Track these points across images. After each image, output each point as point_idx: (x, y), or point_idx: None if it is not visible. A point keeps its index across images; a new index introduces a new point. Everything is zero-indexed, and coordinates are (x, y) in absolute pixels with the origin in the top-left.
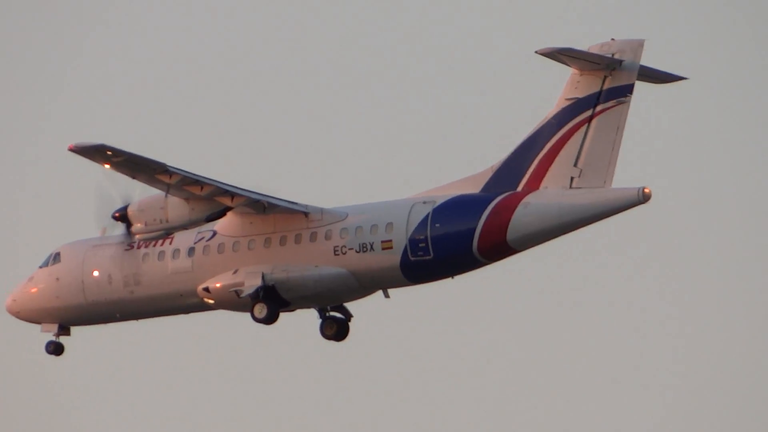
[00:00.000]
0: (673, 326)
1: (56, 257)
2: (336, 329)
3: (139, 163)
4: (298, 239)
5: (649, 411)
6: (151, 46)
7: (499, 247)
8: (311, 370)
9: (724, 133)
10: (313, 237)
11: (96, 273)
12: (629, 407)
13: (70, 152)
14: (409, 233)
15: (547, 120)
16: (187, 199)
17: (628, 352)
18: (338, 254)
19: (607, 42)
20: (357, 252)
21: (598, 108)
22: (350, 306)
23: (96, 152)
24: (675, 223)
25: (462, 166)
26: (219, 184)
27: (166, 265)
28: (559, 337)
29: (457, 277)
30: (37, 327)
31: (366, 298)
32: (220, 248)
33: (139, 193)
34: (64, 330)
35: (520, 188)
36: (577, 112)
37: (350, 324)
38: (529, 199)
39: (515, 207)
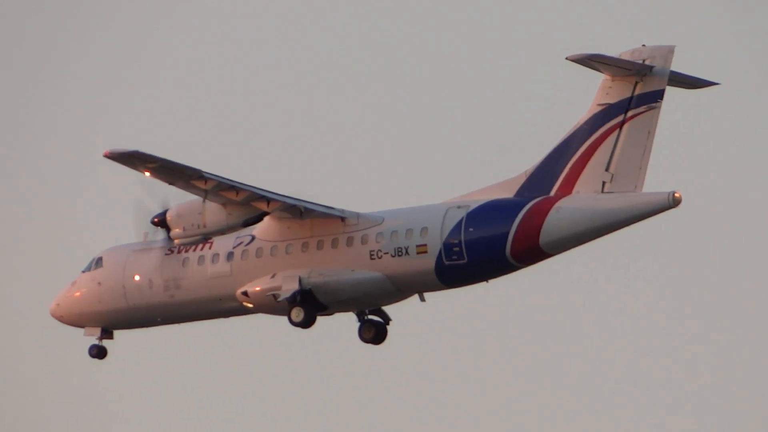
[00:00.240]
0: (702, 330)
1: (98, 262)
2: (374, 332)
3: (175, 169)
4: (334, 244)
5: (681, 415)
6: (187, 52)
7: (531, 251)
8: (349, 372)
9: (755, 138)
10: (349, 241)
11: (137, 277)
12: (661, 411)
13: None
14: (444, 237)
15: (579, 125)
16: (224, 205)
17: (659, 357)
18: (374, 258)
19: (638, 48)
20: (392, 256)
21: (630, 113)
22: (389, 309)
23: (131, 158)
24: (705, 227)
25: (496, 171)
26: (254, 190)
27: (206, 269)
28: (592, 341)
29: (493, 281)
30: (80, 331)
31: (404, 302)
32: (259, 253)
33: (177, 198)
34: (106, 334)
35: (552, 193)
36: (608, 117)
37: (388, 327)
38: (562, 203)
39: (548, 211)
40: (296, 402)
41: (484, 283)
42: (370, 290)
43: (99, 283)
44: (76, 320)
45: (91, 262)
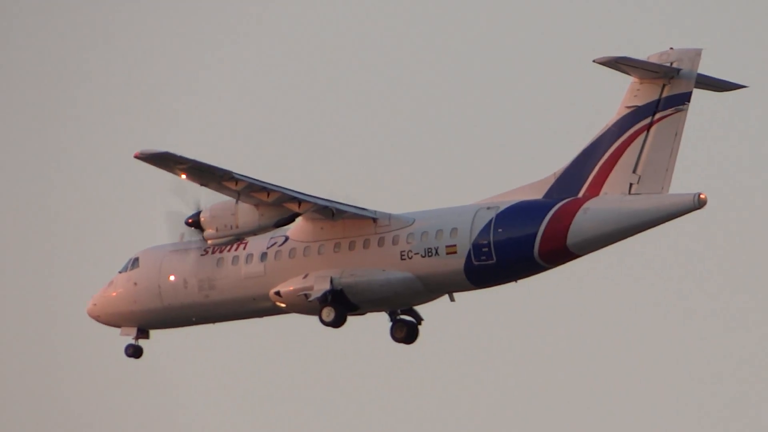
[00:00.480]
0: (726, 331)
1: (135, 262)
2: (406, 332)
3: (206, 170)
4: (366, 244)
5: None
6: (220, 55)
7: (559, 251)
8: (380, 372)
9: None
10: (381, 242)
11: (172, 278)
12: (689, 412)
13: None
14: (473, 238)
15: (607, 127)
16: (256, 206)
17: (686, 359)
18: (404, 259)
19: (665, 51)
20: (422, 257)
21: (657, 115)
22: (420, 309)
23: (161, 159)
24: (730, 228)
25: (527, 172)
26: (285, 191)
27: (240, 269)
28: (619, 341)
29: (522, 282)
30: (117, 330)
31: (436, 302)
32: (292, 253)
33: (211, 200)
34: (143, 333)
35: (581, 194)
36: (636, 119)
37: (420, 327)
38: (589, 204)
39: (575, 212)
40: (328, 401)
41: (513, 283)
42: (401, 290)
43: (135, 284)
44: (113, 320)
45: (128, 262)
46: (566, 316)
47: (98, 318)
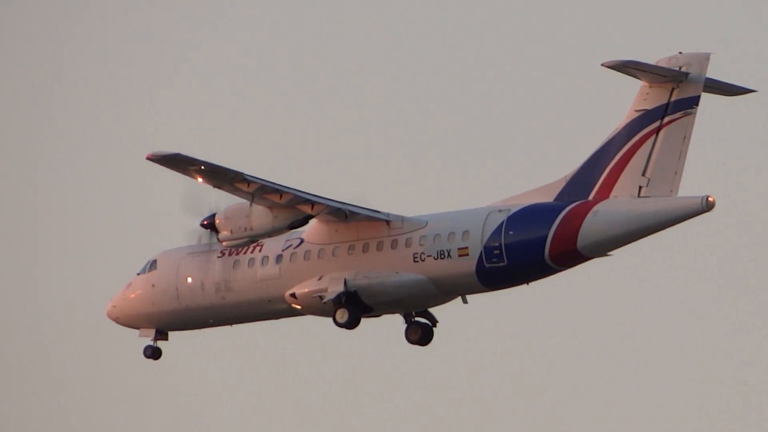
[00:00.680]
0: (733, 333)
1: (153, 264)
2: (420, 334)
3: (218, 171)
4: (379, 246)
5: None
6: (233, 57)
7: (570, 253)
8: (395, 373)
9: None
10: (394, 244)
11: (189, 279)
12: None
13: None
14: (484, 240)
15: (617, 131)
16: (270, 208)
17: (695, 360)
18: (417, 261)
19: (674, 55)
20: (435, 259)
21: (666, 119)
22: (435, 311)
23: (173, 161)
24: (738, 231)
25: (539, 175)
26: (297, 193)
27: (255, 271)
28: (631, 343)
29: (537, 284)
30: (136, 332)
31: (452, 304)
32: (307, 255)
33: (226, 202)
34: (161, 335)
35: (591, 197)
36: (645, 123)
37: (435, 329)
38: (599, 207)
39: (585, 215)
40: (343, 402)
41: (525, 285)
42: (414, 292)
43: (153, 285)
44: (132, 321)
45: (146, 264)
46: (579, 319)
47: (117, 319)
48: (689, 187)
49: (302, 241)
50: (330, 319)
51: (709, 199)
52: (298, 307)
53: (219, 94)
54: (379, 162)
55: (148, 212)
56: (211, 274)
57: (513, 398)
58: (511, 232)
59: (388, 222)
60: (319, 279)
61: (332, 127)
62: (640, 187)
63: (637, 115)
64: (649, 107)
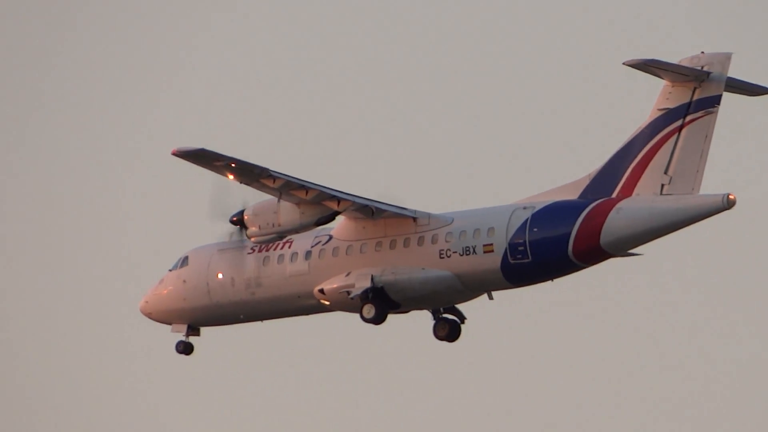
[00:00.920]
0: (755, 332)
1: (185, 261)
2: (448, 330)
3: (243, 167)
4: (406, 243)
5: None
6: (254, 50)
7: (593, 250)
8: (422, 369)
9: None
10: (420, 241)
11: (220, 275)
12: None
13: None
14: (509, 237)
15: (640, 129)
16: (297, 204)
17: (714, 355)
18: (443, 257)
19: (696, 55)
20: (460, 255)
21: (688, 118)
22: (462, 308)
23: (198, 157)
24: (758, 228)
25: (563, 173)
26: (323, 189)
27: (285, 268)
28: (656, 339)
29: (558, 281)
30: (168, 327)
31: (479, 301)
32: (335, 252)
33: (255, 198)
34: (193, 330)
35: (614, 195)
36: (668, 122)
37: (462, 326)
38: (622, 204)
39: (608, 212)
40: (371, 397)
41: (549, 282)
42: (439, 288)
43: (184, 281)
44: (164, 317)
45: (179, 260)
46: (604, 316)
47: (150, 315)
48: (710, 185)
49: (331, 237)
50: (357, 315)
51: (730, 196)
52: (327, 302)
53: (245, 91)
54: (407, 161)
55: (181, 209)
56: (242, 271)
57: (541, 394)
58: (535, 229)
59: (414, 219)
60: (347, 275)
61: (360, 125)
62: (663, 185)
63: (659, 113)
64: (671, 106)
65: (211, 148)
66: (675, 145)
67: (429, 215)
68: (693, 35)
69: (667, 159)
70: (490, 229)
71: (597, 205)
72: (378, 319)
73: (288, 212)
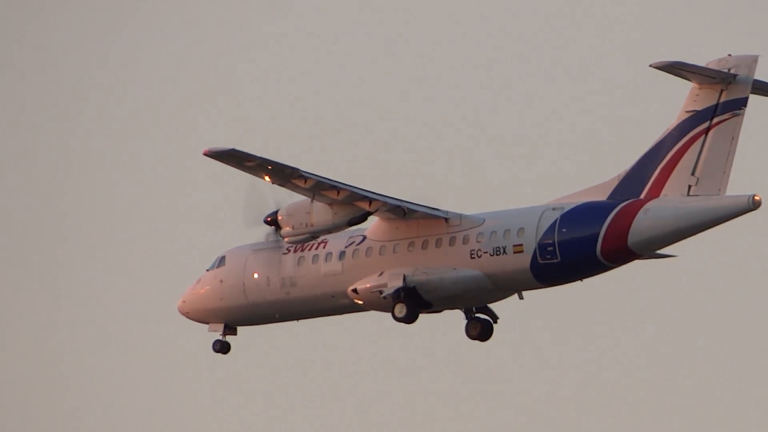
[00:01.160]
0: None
1: (221, 261)
2: (480, 329)
3: (274, 168)
4: (438, 243)
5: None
6: (285, 52)
7: (621, 251)
8: (454, 367)
9: None
10: (452, 241)
11: (256, 275)
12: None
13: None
14: (539, 238)
15: (668, 131)
16: (330, 204)
17: (742, 360)
18: (474, 257)
19: (724, 57)
20: (491, 255)
21: (715, 120)
22: (495, 307)
23: (229, 157)
24: None
25: (592, 175)
26: (354, 189)
27: (319, 268)
28: (682, 336)
29: (587, 281)
30: (205, 327)
31: (509, 301)
32: (369, 252)
33: (289, 199)
34: (230, 330)
35: (642, 196)
36: (695, 123)
37: (495, 325)
38: (650, 205)
39: (636, 213)
40: (403, 395)
41: (579, 282)
42: (470, 288)
43: (221, 281)
44: (201, 316)
45: (215, 261)
46: (634, 316)
47: (187, 314)
48: (737, 187)
49: (364, 238)
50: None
51: (756, 198)
52: (360, 302)
53: (277, 93)
54: (441, 163)
55: (219, 210)
56: (277, 270)
57: (573, 394)
58: (564, 230)
59: (446, 219)
60: (380, 275)
61: (393, 127)
62: (690, 186)
63: (687, 116)
64: (698, 108)
65: (243, 148)
66: (702, 146)
67: (461, 216)
68: (720, 37)
69: (694, 160)
70: (520, 230)
71: (625, 206)
72: (409, 319)
73: (321, 212)
